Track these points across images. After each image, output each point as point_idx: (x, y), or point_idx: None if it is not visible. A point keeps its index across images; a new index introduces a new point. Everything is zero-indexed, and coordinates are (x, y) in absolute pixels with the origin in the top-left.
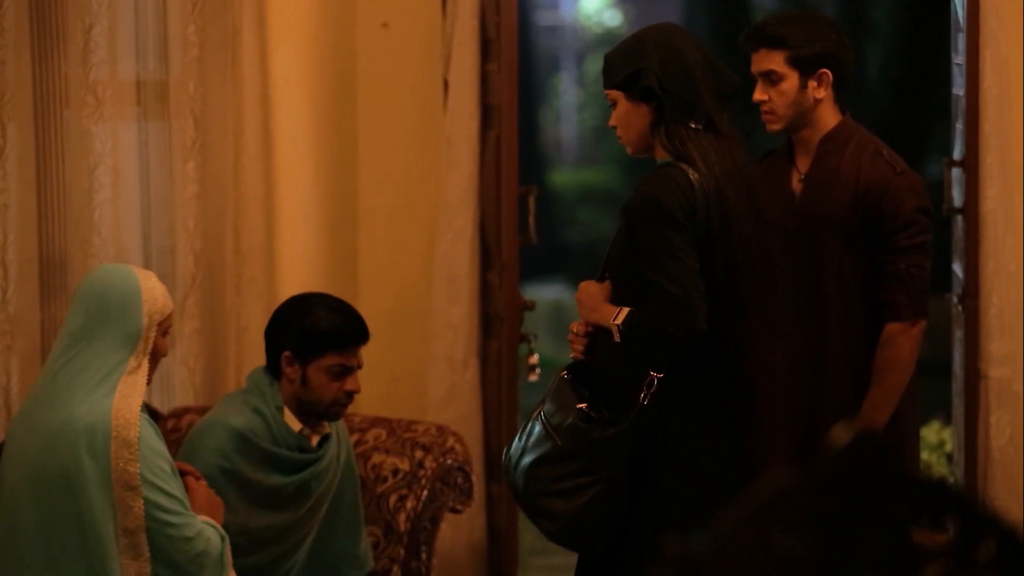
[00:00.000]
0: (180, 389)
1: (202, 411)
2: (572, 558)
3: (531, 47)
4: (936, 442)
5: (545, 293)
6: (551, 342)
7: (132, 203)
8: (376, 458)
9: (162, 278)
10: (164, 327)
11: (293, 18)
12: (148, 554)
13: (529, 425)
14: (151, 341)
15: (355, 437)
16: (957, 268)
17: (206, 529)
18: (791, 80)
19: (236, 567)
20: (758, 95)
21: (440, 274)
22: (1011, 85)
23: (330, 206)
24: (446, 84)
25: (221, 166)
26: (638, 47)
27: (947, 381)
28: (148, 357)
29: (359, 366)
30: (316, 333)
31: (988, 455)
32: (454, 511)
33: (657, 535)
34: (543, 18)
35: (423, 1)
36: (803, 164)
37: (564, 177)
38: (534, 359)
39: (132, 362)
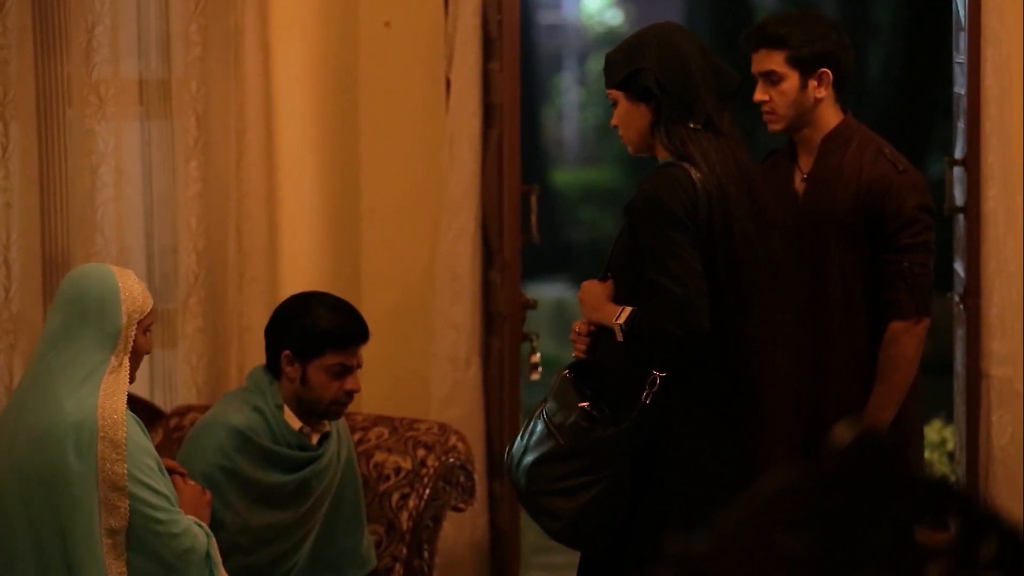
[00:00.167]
0: (182, 387)
1: (204, 410)
2: (574, 557)
3: (533, 46)
4: (937, 441)
5: (547, 292)
6: (553, 341)
7: (135, 202)
8: (378, 456)
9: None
10: (144, 325)
11: (295, 17)
12: (126, 555)
13: (531, 424)
14: (131, 340)
15: (357, 436)
16: (958, 267)
17: (192, 527)
18: (791, 80)
19: (237, 565)
20: (759, 95)
21: (442, 273)
22: (1012, 84)
23: (332, 205)
24: (448, 83)
25: (223, 165)
26: (638, 47)
27: (948, 380)
28: (129, 356)
29: (359, 365)
30: (316, 332)
31: (989, 454)
32: (456, 510)
33: (659, 534)
34: (545, 17)
35: (425, 0)
36: (805, 163)
37: (566, 176)
38: (536, 358)
39: (113, 361)
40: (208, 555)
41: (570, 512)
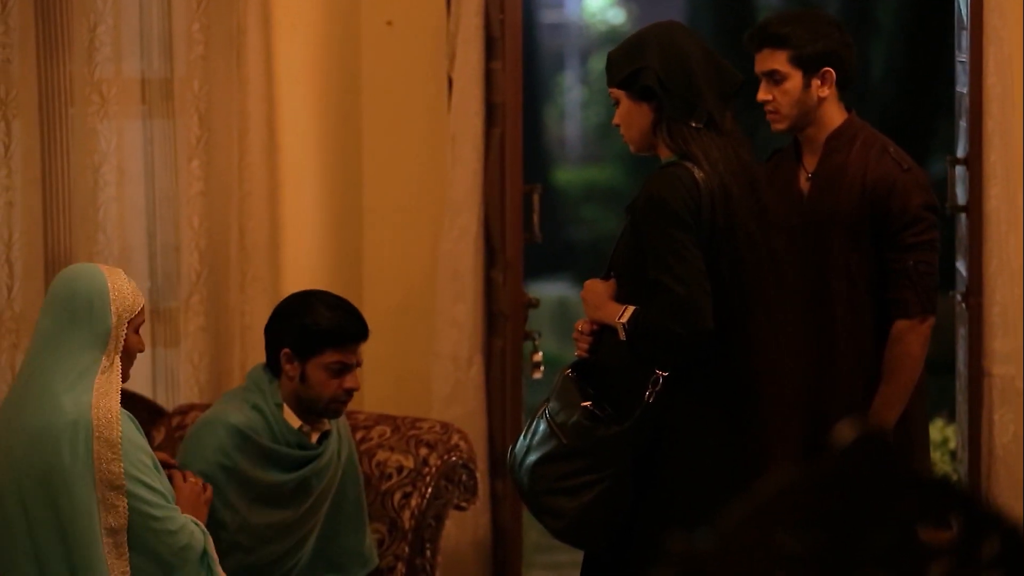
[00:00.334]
0: (185, 386)
1: (207, 408)
2: (577, 555)
3: (535, 45)
4: (940, 439)
5: (549, 291)
6: (555, 340)
7: (137, 201)
8: (381, 455)
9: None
10: (136, 324)
11: (298, 16)
12: (128, 554)
13: (534, 423)
14: (122, 339)
15: (360, 434)
16: (960, 266)
17: (189, 524)
18: (794, 79)
19: (238, 565)
20: (762, 95)
21: (444, 272)
22: (1014, 82)
23: (334, 204)
24: (450, 82)
25: (226, 164)
26: (639, 46)
27: (951, 379)
28: (121, 355)
29: (358, 364)
30: (315, 330)
31: (991, 452)
32: (459, 508)
33: (662, 533)
34: (547, 16)
35: None
36: (810, 163)
37: (568, 175)
38: (538, 356)
39: (104, 361)
40: (205, 552)
41: (573, 511)
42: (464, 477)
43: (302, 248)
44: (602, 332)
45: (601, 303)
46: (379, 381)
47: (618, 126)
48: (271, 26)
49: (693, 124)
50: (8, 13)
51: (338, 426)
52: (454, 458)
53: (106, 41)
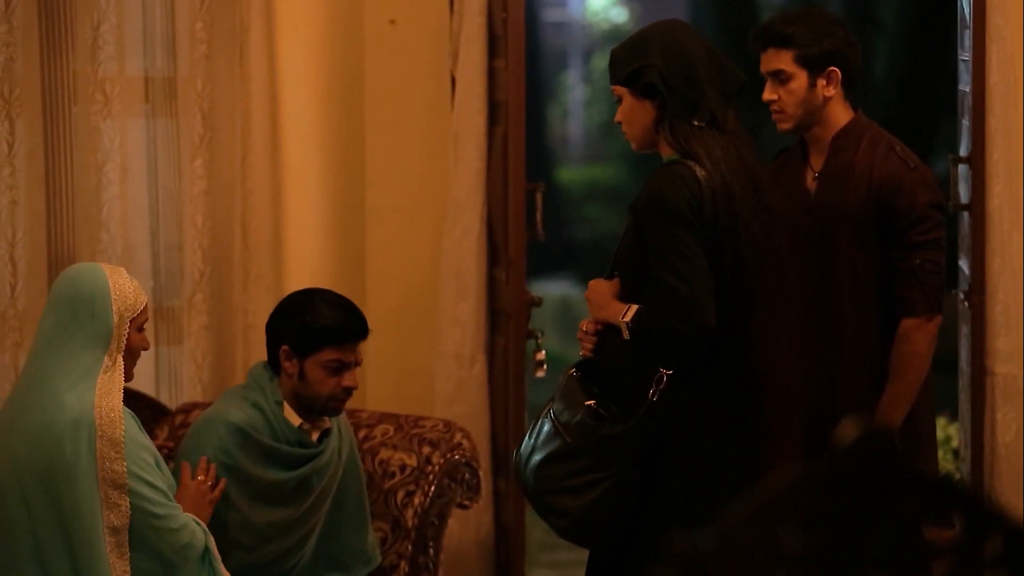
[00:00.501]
0: (188, 385)
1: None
2: (579, 554)
3: (538, 44)
4: (942, 438)
5: (552, 289)
6: (558, 338)
7: (140, 199)
8: (384, 454)
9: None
10: (138, 323)
11: (301, 15)
12: (129, 553)
13: (538, 423)
14: (124, 339)
15: (363, 433)
16: (963, 264)
17: (191, 522)
18: (800, 79)
19: (239, 563)
20: (767, 95)
21: (447, 270)
22: (1017, 81)
23: (337, 202)
24: (453, 81)
25: (229, 162)
26: (643, 44)
27: (953, 377)
28: (124, 354)
29: (357, 362)
30: (313, 328)
31: (994, 451)
32: (462, 507)
33: (666, 531)
34: (550, 15)
35: None
36: (816, 162)
37: (571, 173)
38: (541, 355)
39: (107, 361)
40: (206, 550)
41: (577, 510)
42: (467, 475)
43: (305, 247)
44: (606, 332)
45: (605, 302)
46: (382, 379)
47: (620, 123)
48: (274, 25)
49: (695, 123)
50: (12, 12)
51: (339, 424)
52: (457, 456)
53: (109, 40)
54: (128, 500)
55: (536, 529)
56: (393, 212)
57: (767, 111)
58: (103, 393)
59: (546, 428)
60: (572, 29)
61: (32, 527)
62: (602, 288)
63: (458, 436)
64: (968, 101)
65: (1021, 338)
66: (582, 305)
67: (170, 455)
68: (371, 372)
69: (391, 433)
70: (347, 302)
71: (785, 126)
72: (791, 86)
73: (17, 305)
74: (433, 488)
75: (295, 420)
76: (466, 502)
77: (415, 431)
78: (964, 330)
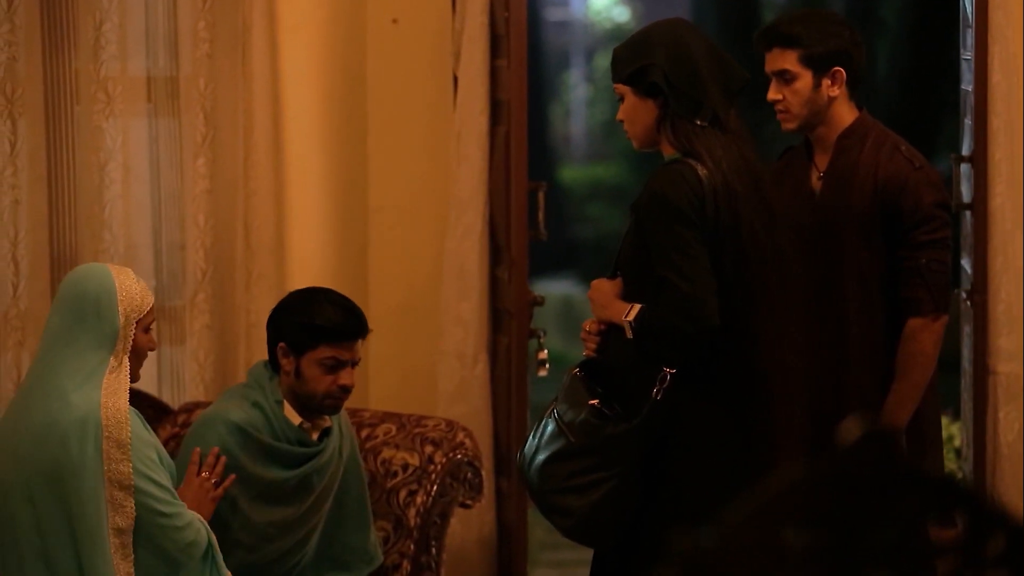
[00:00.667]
0: (190, 384)
1: None
2: (581, 553)
3: (540, 43)
4: (945, 437)
5: (554, 288)
6: (560, 338)
7: (142, 199)
8: (386, 453)
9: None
10: (145, 324)
11: (303, 14)
12: (133, 556)
13: (542, 423)
14: (130, 340)
15: (365, 432)
16: (966, 264)
17: (196, 520)
18: (805, 79)
19: (240, 563)
20: (772, 94)
21: (450, 270)
22: (1019, 80)
23: (340, 202)
24: (455, 80)
25: (231, 162)
26: (645, 42)
27: (956, 377)
28: (130, 355)
29: (355, 361)
30: (310, 325)
31: (996, 450)
32: (464, 506)
33: (670, 530)
34: (552, 14)
35: None
36: (821, 162)
37: (573, 173)
38: (543, 354)
39: (112, 361)
40: (210, 546)
41: (581, 509)
42: (469, 475)
43: (307, 246)
44: (610, 331)
45: (608, 302)
46: (384, 379)
47: (622, 121)
48: (276, 24)
49: (698, 122)
50: (14, 11)
51: (339, 423)
52: (459, 456)
53: (112, 39)
54: (133, 501)
55: (538, 528)
56: (395, 211)
57: (769, 110)
58: (109, 393)
59: (550, 428)
60: (574, 28)
61: (37, 526)
62: (605, 287)
63: (460, 435)
64: (970, 100)
65: (1023, 337)
66: (584, 304)
67: (172, 455)
68: (373, 371)
69: (393, 432)
70: (346, 300)
71: (790, 126)
72: (796, 86)
73: (19, 305)
74: (435, 487)
75: (295, 419)
76: (468, 501)
77: (417, 430)
78: (966, 329)
